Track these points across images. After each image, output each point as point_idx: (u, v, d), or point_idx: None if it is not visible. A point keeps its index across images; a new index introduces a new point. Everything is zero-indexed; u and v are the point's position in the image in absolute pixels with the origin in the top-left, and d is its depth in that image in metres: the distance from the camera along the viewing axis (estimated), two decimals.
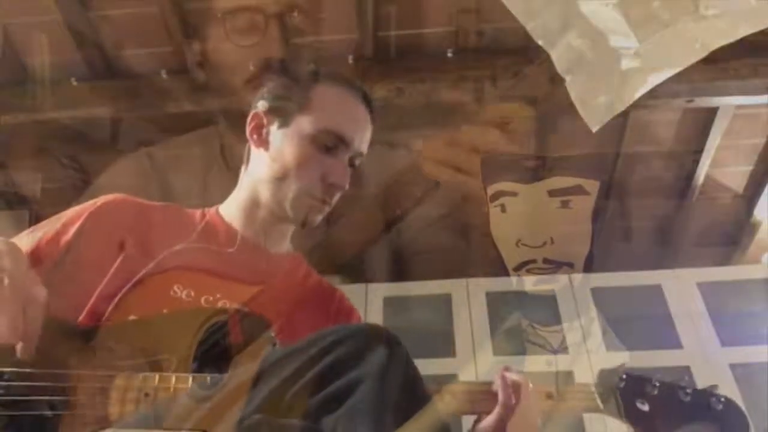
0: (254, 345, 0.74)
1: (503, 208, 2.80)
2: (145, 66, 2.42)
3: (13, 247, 0.86)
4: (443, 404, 0.90)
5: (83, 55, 2.41)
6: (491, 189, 2.77)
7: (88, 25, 2.34)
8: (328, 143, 1.08)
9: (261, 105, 1.13)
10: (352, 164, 1.12)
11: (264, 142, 1.12)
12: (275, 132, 1.11)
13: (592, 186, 2.75)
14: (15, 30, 2.34)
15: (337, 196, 1.11)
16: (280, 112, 1.11)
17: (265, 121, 1.12)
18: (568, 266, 2.83)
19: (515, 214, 2.80)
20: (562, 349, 2.56)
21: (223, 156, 2.43)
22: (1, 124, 2.40)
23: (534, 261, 2.84)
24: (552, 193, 2.76)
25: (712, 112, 2.52)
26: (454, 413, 0.96)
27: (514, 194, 2.78)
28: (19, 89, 2.39)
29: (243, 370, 0.72)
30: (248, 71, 2.14)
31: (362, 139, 1.12)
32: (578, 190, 2.76)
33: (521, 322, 2.66)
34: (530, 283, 2.82)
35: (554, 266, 2.85)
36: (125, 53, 2.44)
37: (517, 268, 2.86)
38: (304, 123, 1.09)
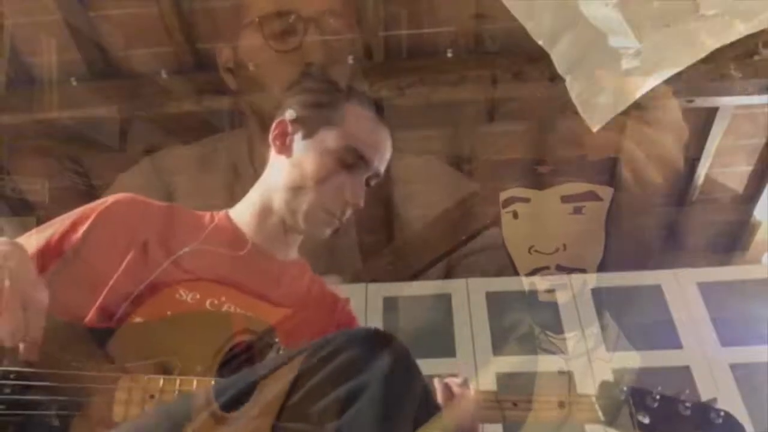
0: (281, 371, 0.73)
1: (515, 215, 2.79)
2: (145, 66, 2.42)
3: (18, 248, 0.86)
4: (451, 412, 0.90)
5: (83, 55, 2.40)
6: (503, 195, 2.77)
7: (88, 25, 2.34)
8: (349, 160, 1.09)
9: (288, 114, 1.14)
10: (368, 184, 1.14)
11: (287, 150, 1.13)
12: (299, 141, 1.12)
13: (605, 192, 2.75)
14: (15, 30, 2.34)
15: (349, 213, 1.12)
16: (307, 123, 1.12)
17: (290, 129, 1.13)
18: (580, 273, 2.83)
19: (527, 220, 2.79)
20: (575, 356, 2.55)
21: (251, 159, 2.41)
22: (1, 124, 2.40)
23: (547, 268, 2.83)
24: (565, 199, 2.76)
25: (712, 112, 2.52)
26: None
27: (526, 200, 2.78)
28: (19, 89, 2.39)
29: (268, 398, 0.71)
30: (287, 75, 2.12)
31: (381, 161, 1.14)
32: (591, 196, 2.75)
33: (533, 329, 2.65)
34: (540, 286, 2.81)
35: (567, 273, 2.84)
36: (125, 53, 2.44)
37: (530, 275, 2.85)
38: (329, 137, 1.10)
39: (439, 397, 0.98)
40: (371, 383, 0.69)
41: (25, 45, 2.38)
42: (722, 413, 0.97)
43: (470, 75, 2.38)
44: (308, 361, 0.72)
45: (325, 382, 0.70)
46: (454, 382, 1.01)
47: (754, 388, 2.28)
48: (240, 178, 2.39)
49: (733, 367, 2.39)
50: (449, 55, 2.40)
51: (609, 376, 2.32)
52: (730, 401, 2.23)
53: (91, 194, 2.74)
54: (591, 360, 2.48)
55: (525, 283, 2.79)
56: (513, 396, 0.99)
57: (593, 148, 2.52)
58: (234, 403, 0.71)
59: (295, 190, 1.10)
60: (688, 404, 0.98)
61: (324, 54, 2.17)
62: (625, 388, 0.99)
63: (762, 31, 1.09)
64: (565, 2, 1.16)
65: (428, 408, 0.76)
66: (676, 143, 2.28)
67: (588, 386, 1.01)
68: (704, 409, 0.98)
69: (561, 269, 2.83)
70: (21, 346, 0.80)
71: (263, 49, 2.17)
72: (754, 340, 2.45)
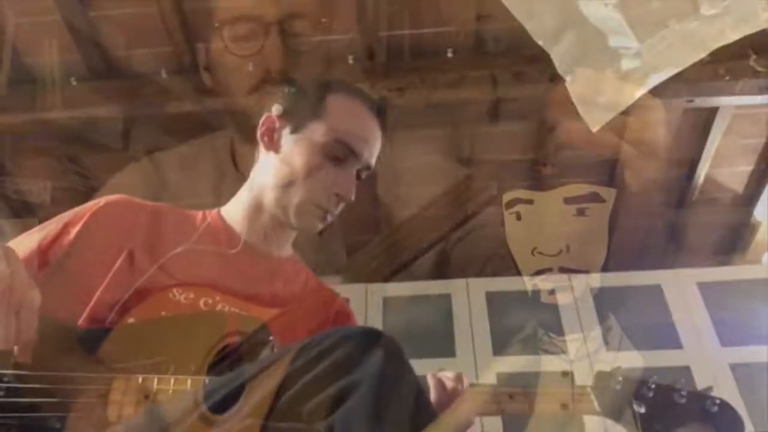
0: (271, 370, 0.72)
1: (518, 216, 2.78)
2: (145, 66, 2.42)
3: (8, 250, 0.85)
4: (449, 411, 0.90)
5: (83, 55, 2.40)
6: (506, 196, 2.77)
7: (88, 25, 2.34)
8: (339, 154, 1.08)
9: (275, 109, 1.13)
10: (358, 177, 1.12)
11: (275, 146, 1.11)
12: (287, 136, 1.11)
13: (609, 193, 2.74)
14: (15, 30, 2.34)
15: (341, 207, 1.11)
16: (294, 118, 1.11)
17: (277, 124, 1.12)
18: (584, 274, 2.82)
19: (531, 221, 2.79)
20: (577, 357, 2.55)
21: (234, 161, 2.41)
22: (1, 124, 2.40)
23: (550, 270, 2.83)
24: (568, 201, 2.75)
25: (712, 112, 2.52)
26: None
27: (529, 202, 2.78)
28: (19, 89, 2.39)
29: (257, 400, 0.71)
30: (249, 79, 2.12)
31: (372, 152, 1.12)
32: (594, 198, 2.75)
33: (535, 330, 2.65)
34: (542, 287, 2.80)
35: (570, 275, 2.83)
36: (125, 53, 2.44)
37: (533, 277, 2.84)
38: (317, 131, 1.09)
39: (433, 393, 0.97)
40: (363, 381, 0.68)
41: (25, 45, 2.38)
42: (718, 401, 0.97)
43: (470, 75, 2.38)
44: (298, 360, 0.72)
45: (316, 380, 0.70)
46: (447, 377, 1.01)
47: (754, 388, 2.27)
48: (226, 177, 2.40)
49: (733, 367, 2.39)
50: (450, 55, 2.40)
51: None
52: (730, 401, 2.22)
53: (90, 195, 2.73)
54: (593, 361, 2.48)
55: (527, 283, 2.79)
56: (509, 388, 0.98)
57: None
58: (224, 404, 0.71)
59: (286, 186, 1.08)
60: (683, 393, 0.98)
61: (285, 59, 2.16)
62: (620, 378, 0.98)
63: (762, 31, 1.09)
64: (565, 2, 1.16)
65: (423, 408, 0.75)
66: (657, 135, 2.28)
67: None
68: (700, 398, 0.98)
69: (564, 271, 2.82)
70: (15, 348, 0.80)
71: (224, 53, 2.18)
72: (754, 340, 2.44)
